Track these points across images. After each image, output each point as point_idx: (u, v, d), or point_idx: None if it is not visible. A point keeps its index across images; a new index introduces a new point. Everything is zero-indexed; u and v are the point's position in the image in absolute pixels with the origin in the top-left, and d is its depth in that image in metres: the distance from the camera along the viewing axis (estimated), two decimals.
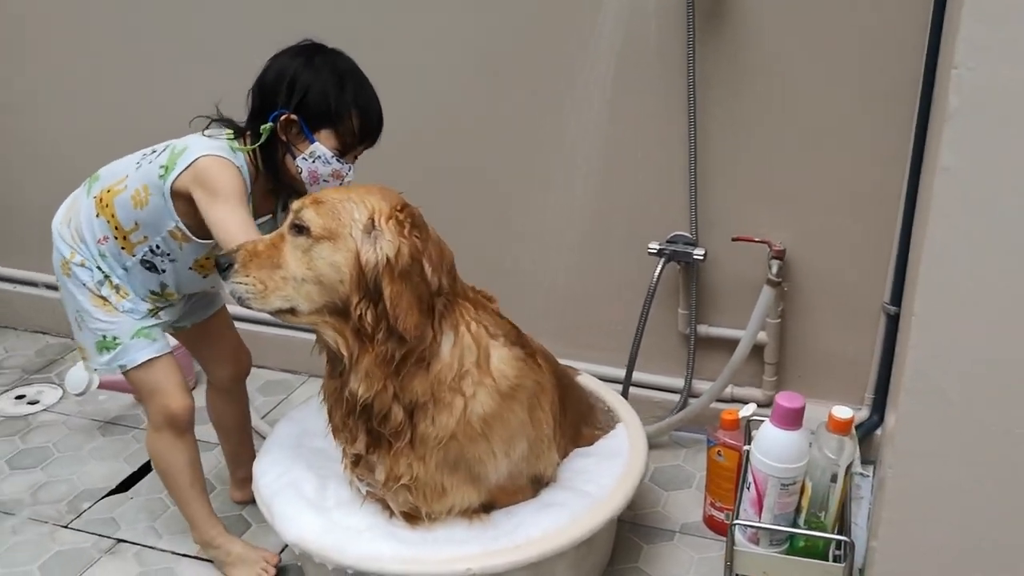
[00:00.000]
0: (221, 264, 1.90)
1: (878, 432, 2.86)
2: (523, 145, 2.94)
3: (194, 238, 2.17)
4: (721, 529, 2.59)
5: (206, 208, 2.05)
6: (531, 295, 3.06)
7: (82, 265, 2.24)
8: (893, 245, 2.66)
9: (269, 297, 1.89)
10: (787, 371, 2.94)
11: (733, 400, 2.99)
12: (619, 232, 2.95)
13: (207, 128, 2.19)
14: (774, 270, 2.67)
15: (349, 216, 1.88)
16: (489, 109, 2.93)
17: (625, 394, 2.91)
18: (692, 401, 3.00)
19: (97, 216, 2.21)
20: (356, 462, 2.12)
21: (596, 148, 2.86)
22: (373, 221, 1.87)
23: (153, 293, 2.29)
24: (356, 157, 2.19)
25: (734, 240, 2.75)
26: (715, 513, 2.60)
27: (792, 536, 2.02)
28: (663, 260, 2.81)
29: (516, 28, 2.81)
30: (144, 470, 2.97)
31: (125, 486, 2.90)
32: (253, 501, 2.60)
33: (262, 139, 2.11)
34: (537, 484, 2.28)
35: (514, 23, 2.81)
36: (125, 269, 2.25)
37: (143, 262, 2.23)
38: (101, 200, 2.22)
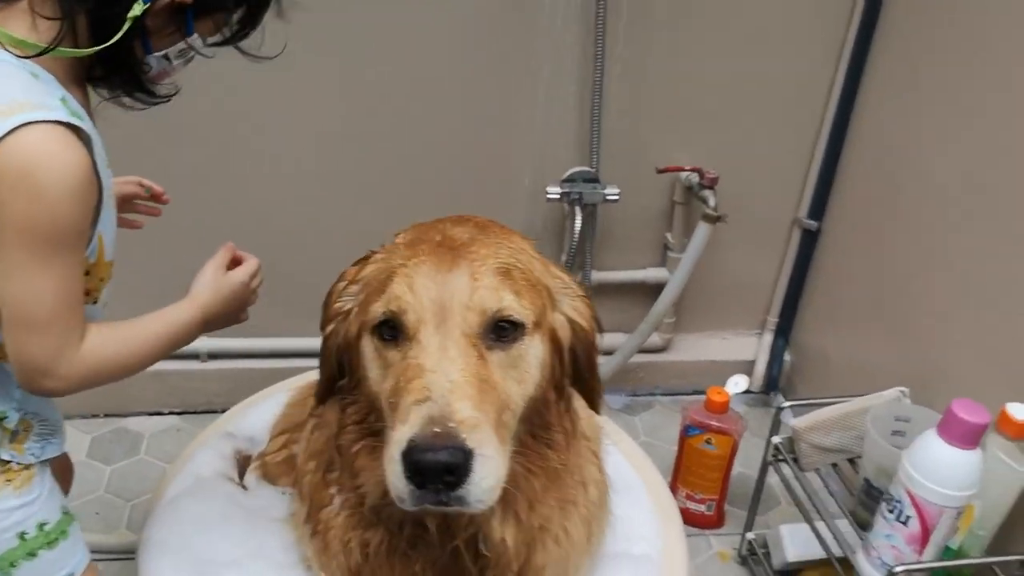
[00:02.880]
0: (446, 465, 1.00)
1: (787, 356, 2.60)
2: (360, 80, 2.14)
3: None
4: (702, 522, 2.21)
5: (18, 247, 1.10)
6: None
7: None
8: (816, 157, 2.35)
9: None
10: (684, 307, 2.55)
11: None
12: (491, 172, 2.29)
13: None
14: (711, 203, 2.21)
15: (543, 281, 1.21)
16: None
17: None
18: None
19: None
20: None
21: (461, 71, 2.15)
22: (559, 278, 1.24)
23: None
24: None
25: (660, 172, 2.24)
26: (693, 506, 2.20)
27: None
28: (576, 206, 2.23)
29: None
30: None
31: None
32: None
33: (121, 31, 1.15)
34: None
35: None
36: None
37: None
38: None
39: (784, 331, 2.58)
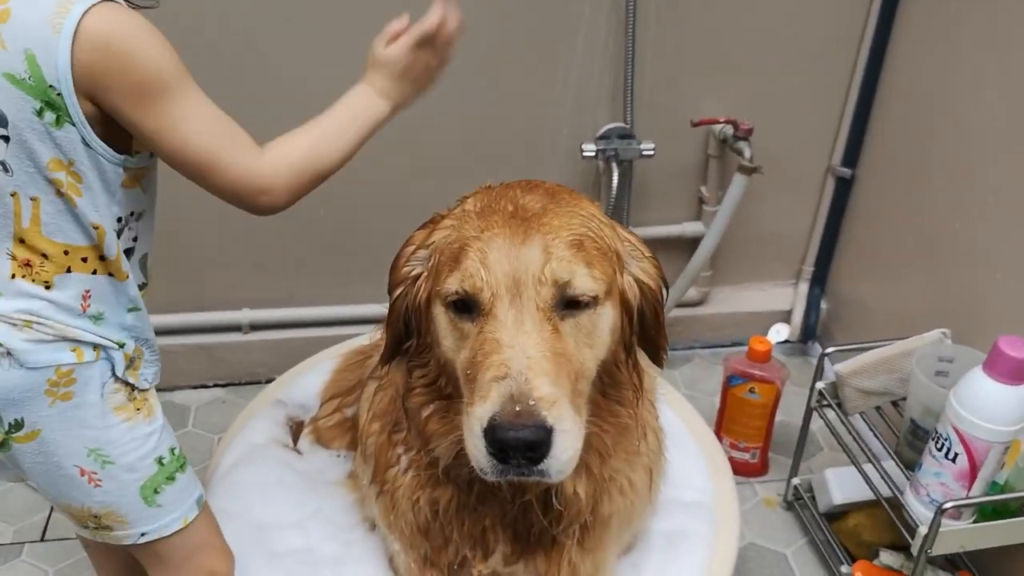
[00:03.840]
0: (529, 443, 1.03)
1: (823, 304, 2.61)
2: None
3: (139, 163, 1.25)
4: (747, 470, 2.23)
5: (145, 115, 1.15)
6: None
7: (96, 359, 1.27)
8: (848, 105, 2.34)
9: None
10: (720, 260, 2.56)
11: None
12: (527, 131, 2.30)
13: None
14: (746, 154, 2.21)
15: (613, 247, 1.23)
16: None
17: None
18: None
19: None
20: None
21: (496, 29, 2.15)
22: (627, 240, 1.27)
23: (143, 287, 1.36)
24: None
25: (695, 125, 2.24)
26: (738, 455, 2.22)
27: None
28: (612, 162, 2.24)
29: None
30: None
31: None
32: None
33: None
34: None
35: None
36: (127, 303, 1.31)
37: (126, 252, 1.29)
38: (26, 251, 1.22)
39: (820, 279, 2.59)
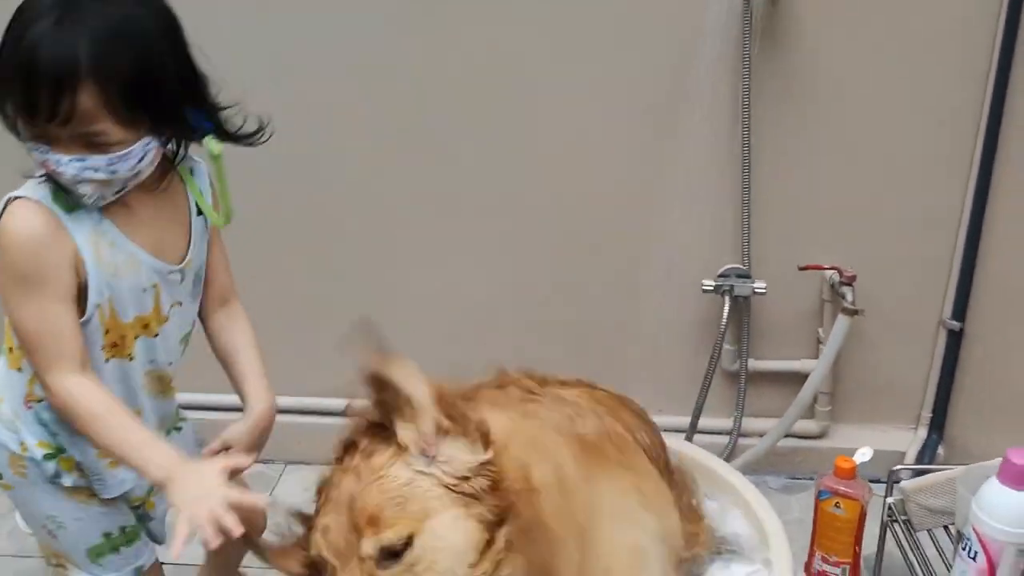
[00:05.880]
0: None
1: (940, 450, 2.77)
2: (543, 171, 2.62)
3: None
4: None
5: None
6: (551, 340, 2.77)
7: (46, 457, 1.54)
8: (955, 260, 2.58)
9: None
10: (839, 398, 2.80)
11: (787, 435, 2.81)
12: (650, 267, 2.70)
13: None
14: (849, 298, 2.51)
15: None
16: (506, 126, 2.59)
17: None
18: (744, 441, 2.81)
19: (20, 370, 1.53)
20: None
21: (630, 173, 2.60)
22: None
23: None
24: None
25: (801, 269, 2.57)
26: (830, 569, 2.39)
27: None
28: (725, 296, 2.59)
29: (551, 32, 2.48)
30: None
31: None
32: None
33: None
34: None
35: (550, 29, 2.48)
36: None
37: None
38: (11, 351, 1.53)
39: (937, 426, 2.74)
